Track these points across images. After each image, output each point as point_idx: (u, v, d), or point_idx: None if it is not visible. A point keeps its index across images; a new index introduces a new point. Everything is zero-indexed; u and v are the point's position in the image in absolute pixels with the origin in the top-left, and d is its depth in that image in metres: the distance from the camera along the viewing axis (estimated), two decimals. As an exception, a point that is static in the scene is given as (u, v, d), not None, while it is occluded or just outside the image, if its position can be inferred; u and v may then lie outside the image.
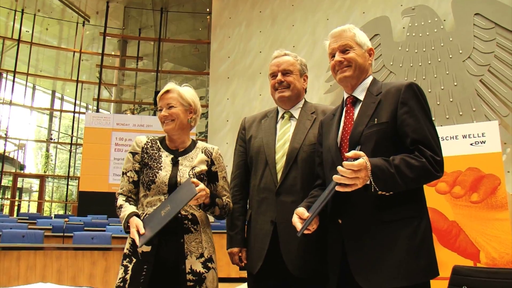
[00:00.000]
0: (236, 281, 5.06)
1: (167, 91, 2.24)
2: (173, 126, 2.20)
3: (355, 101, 1.86)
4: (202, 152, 2.25)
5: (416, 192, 1.68)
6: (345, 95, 1.92)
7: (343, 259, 1.69)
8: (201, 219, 2.15)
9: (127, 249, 2.11)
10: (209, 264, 2.10)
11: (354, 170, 1.48)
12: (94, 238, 5.65)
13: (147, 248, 2.04)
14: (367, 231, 1.63)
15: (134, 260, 2.06)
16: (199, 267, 2.05)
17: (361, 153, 1.53)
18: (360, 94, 1.85)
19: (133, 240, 2.05)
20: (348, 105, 1.87)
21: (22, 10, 16.33)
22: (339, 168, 1.50)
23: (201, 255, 2.09)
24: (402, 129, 1.66)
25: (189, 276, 2.02)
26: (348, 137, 1.76)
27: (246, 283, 2.35)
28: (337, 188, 1.53)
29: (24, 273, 4.67)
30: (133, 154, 2.24)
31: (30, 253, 4.77)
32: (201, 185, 2.00)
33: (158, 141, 2.29)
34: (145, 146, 2.25)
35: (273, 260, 2.09)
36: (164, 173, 2.13)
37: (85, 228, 7.38)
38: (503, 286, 1.94)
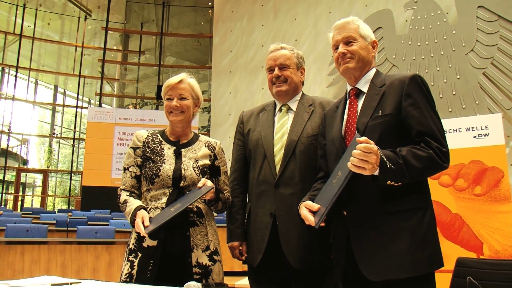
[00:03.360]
0: (239, 275, 5.07)
1: (180, 81, 2.22)
2: (182, 118, 2.20)
3: (358, 93, 1.86)
4: (205, 146, 2.25)
5: (421, 183, 1.68)
6: (348, 87, 1.92)
7: (348, 250, 1.69)
8: (206, 212, 2.15)
9: (133, 244, 2.10)
10: (215, 257, 2.10)
11: (366, 152, 1.47)
12: (98, 232, 5.67)
13: (153, 243, 2.04)
14: (372, 222, 1.64)
15: (140, 255, 2.05)
16: (205, 260, 2.06)
17: (371, 141, 1.52)
18: (364, 86, 1.85)
19: (138, 235, 2.06)
20: (352, 97, 1.86)
21: (24, 4, 16.31)
22: (354, 152, 1.49)
23: (207, 248, 2.09)
24: (407, 121, 1.66)
25: (196, 269, 2.02)
26: (352, 128, 1.76)
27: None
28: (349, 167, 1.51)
29: (28, 267, 4.70)
30: (134, 148, 2.23)
31: (34, 247, 4.79)
32: (209, 181, 2.02)
33: (158, 134, 2.27)
34: (146, 140, 2.23)
35: (273, 253, 2.10)
36: (168, 166, 2.12)
37: (89, 223, 7.41)
38: (507, 277, 1.95)
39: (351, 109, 1.83)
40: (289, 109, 2.29)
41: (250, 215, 2.25)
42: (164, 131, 2.30)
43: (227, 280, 2.15)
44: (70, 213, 7.90)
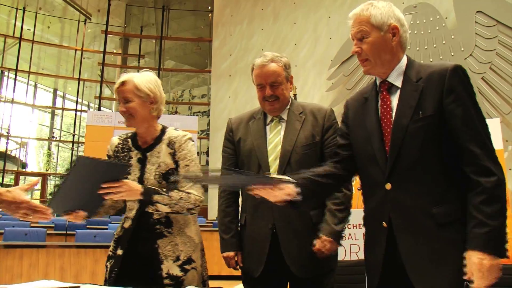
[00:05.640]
0: (240, 279, 5.05)
1: (122, 83, 2.08)
2: (133, 121, 2.08)
3: (390, 86, 1.67)
4: (166, 145, 2.12)
5: (461, 190, 1.55)
6: (378, 80, 1.72)
7: (387, 263, 1.60)
8: (175, 220, 2.08)
9: (110, 251, 2.12)
10: (187, 266, 2.04)
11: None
12: (97, 236, 5.67)
13: (120, 252, 2.04)
14: (423, 235, 1.53)
15: (112, 261, 2.07)
16: (176, 271, 2.01)
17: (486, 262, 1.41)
18: (396, 79, 1.66)
19: (116, 242, 2.10)
20: (384, 92, 1.68)
21: (24, 8, 16.34)
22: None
23: (178, 258, 2.03)
24: (451, 121, 1.53)
25: (167, 281, 1.98)
26: (389, 130, 1.61)
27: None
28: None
29: (27, 271, 4.69)
30: (108, 157, 2.20)
31: (33, 251, 4.79)
32: (123, 182, 1.90)
33: (129, 140, 2.19)
34: (116, 149, 2.18)
35: (274, 263, 2.08)
36: (133, 178, 2.05)
37: (88, 226, 7.40)
38: (507, 282, 1.93)
39: (384, 106, 1.66)
40: (280, 118, 2.25)
41: (245, 225, 2.22)
42: (135, 134, 2.20)
43: (226, 285, 2.14)
44: (69, 217, 7.87)
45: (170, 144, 2.11)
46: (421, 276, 1.51)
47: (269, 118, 2.28)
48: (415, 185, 1.54)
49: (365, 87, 1.83)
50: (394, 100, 1.64)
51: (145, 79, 2.10)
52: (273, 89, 2.17)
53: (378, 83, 1.71)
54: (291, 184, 1.64)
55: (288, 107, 2.26)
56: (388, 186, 1.57)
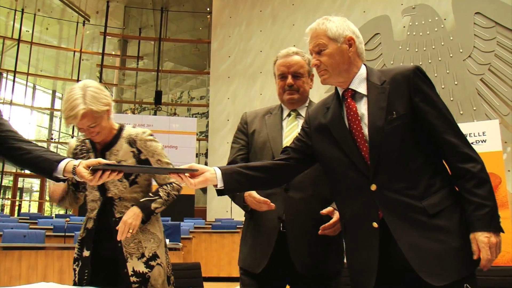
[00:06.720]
0: (238, 281, 5.05)
1: (83, 116, 2.00)
2: (103, 137, 2.13)
3: (353, 94, 1.72)
4: (126, 143, 2.15)
5: (447, 178, 1.63)
6: (340, 90, 1.78)
7: (381, 261, 1.60)
8: None
9: (76, 253, 2.13)
10: (152, 262, 2.08)
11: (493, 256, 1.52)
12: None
13: (87, 253, 2.06)
14: (418, 227, 1.56)
15: (80, 264, 2.08)
16: (141, 268, 2.04)
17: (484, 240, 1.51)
18: (359, 86, 1.72)
19: (80, 243, 2.12)
20: (349, 100, 1.72)
21: (22, 9, 16.32)
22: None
23: (142, 255, 2.06)
24: (423, 116, 1.60)
25: (133, 278, 2.01)
26: (361, 135, 1.66)
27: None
28: None
29: (25, 273, 4.68)
30: None
31: (32, 253, 4.77)
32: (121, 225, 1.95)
33: (87, 141, 2.21)
34: (75, 152, 2.20)
35: (277, 258, 2.05)
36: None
37: (86, 228, 7.38)
38: (505, 283, 1.94)
39: (351, 113, 1.70)
40: (298, 114, 2.26)
41: (252, 218, 2.21)
42: None
43: (225, 286, 2.13)
44: (67, 219, 7.87)
45: (130, 143, 2.15)
46: (428, 269, 1.53)
47: (285, 113, 2.29)
48: (401, 182, 1.58)
49: (325, 98, 1.91)
50: (360, 106, 1.70)
51: (95, 95, 2.05)
52: (295, 80, 2.23)
53: (340, 92, 1.77)
54: (208, 173, 1.69)
55: (307, 105, 2.29)
56: (373, 187, 1.61)
